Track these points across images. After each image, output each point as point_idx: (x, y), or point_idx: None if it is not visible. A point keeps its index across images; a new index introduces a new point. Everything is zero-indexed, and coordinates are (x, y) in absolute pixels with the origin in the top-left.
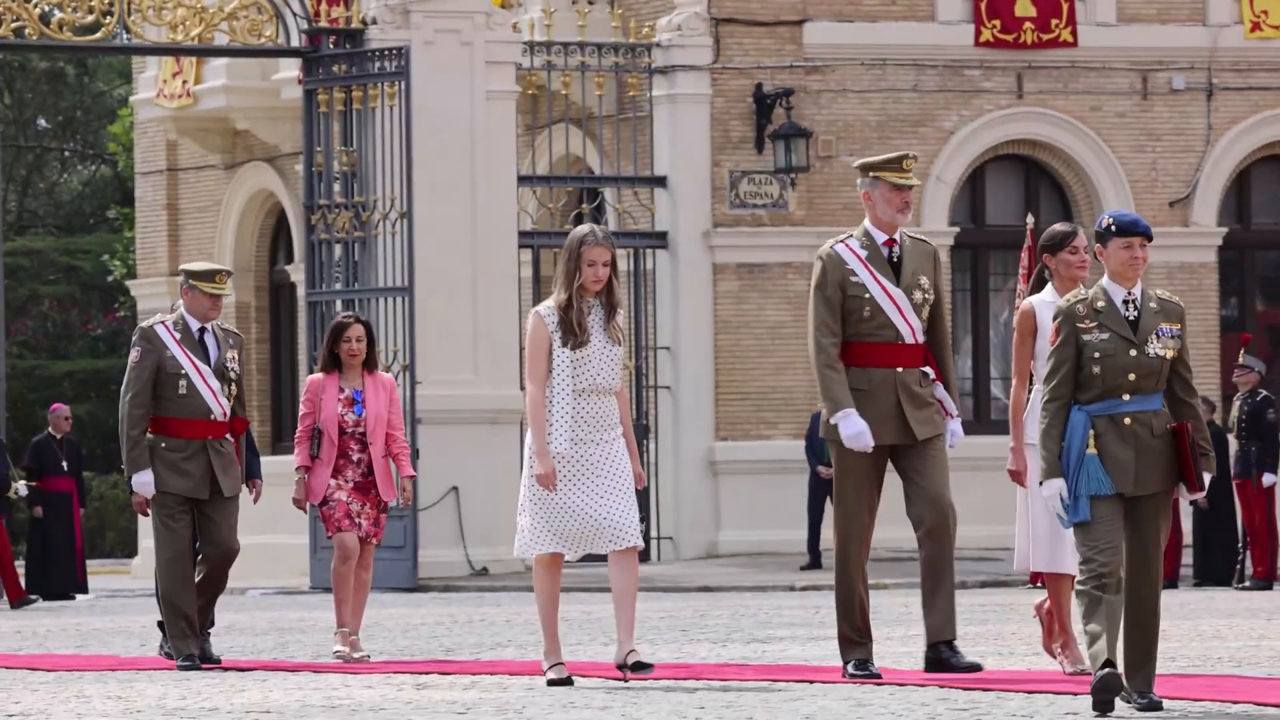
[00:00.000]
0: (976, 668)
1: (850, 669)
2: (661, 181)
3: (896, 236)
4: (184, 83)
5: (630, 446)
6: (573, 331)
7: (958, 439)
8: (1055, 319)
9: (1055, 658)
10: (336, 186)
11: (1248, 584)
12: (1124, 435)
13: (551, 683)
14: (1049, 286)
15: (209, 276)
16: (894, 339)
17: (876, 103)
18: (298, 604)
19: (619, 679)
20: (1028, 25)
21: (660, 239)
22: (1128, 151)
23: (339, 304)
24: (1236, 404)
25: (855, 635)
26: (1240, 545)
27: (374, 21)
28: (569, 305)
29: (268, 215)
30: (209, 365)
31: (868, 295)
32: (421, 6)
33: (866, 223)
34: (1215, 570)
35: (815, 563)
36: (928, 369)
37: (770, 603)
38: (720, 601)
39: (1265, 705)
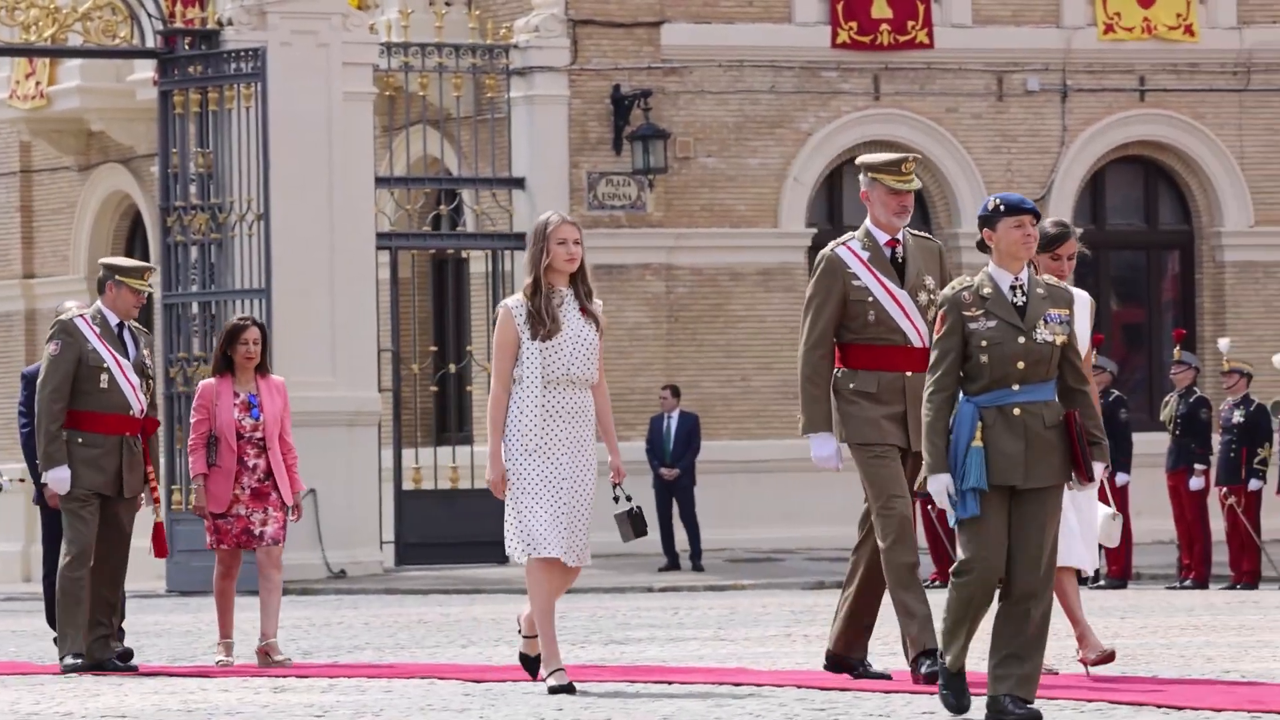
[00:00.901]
0: (884, 676)
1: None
2: (520, 183)
3: (899, 236)
4: (37, 84)
5: (610, 441)
6: (541, 321)
7: None
8: (940, 308)
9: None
10: (193, 188)
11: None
12: (1014, 426)
13: (553, 690)
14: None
15: (138, 273)
16: (901, 343)
17: (734, 104)
18: (154, 607)
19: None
20: (884, 27)
21: (519, 240)
22: (983, 153)
23: (195, 306)
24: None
25: (930, 634)
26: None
27: (229, 23)
28: (536, 290)
29: (123, 217)
30: (129, 361)
31: (871, 299)
32: (278, 8)
33: (867, 222)
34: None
35: (673, 564)
36: None
37: (629, 604)
38: (578, 603)
39: (1120, 704)
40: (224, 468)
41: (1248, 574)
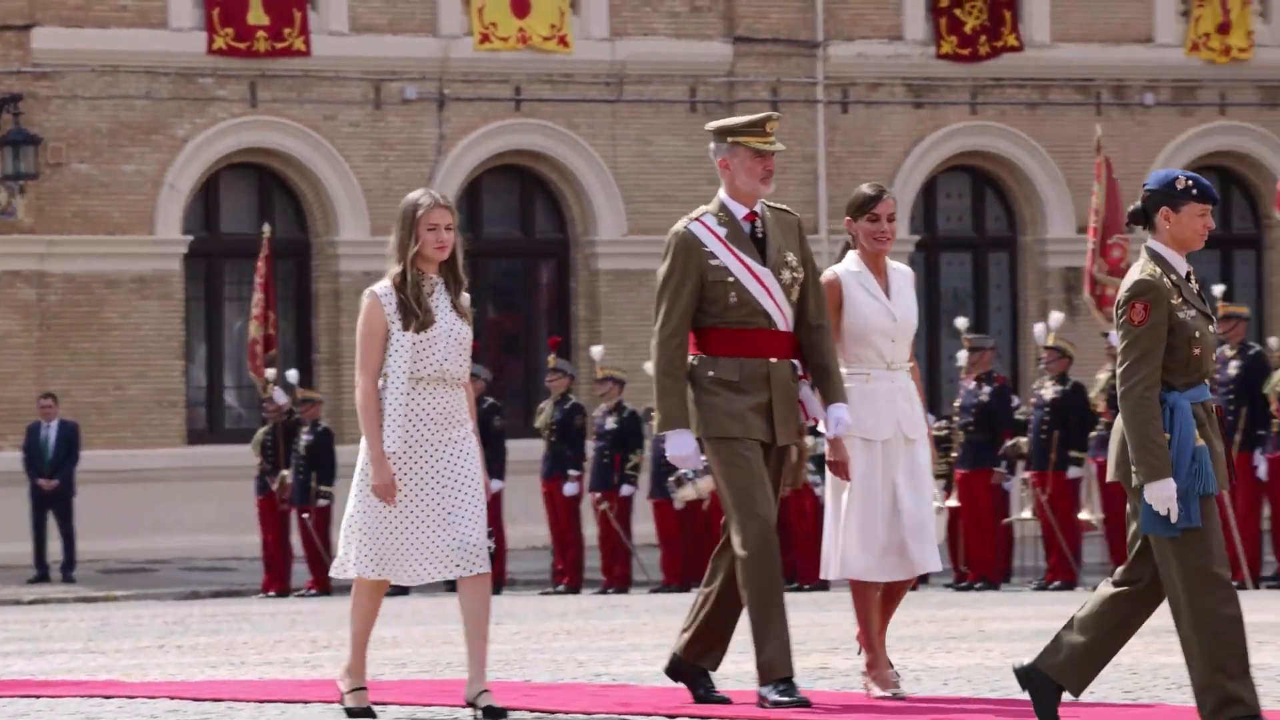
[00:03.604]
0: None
1: (774, 694)
2: None
3: (757, 209)
4: None
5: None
6: (413, 312)
7: (843, 426)
8: (1142, 295)
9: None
10: None
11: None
12: (1215, 425)
13: (350, 712)
14: (851, 254)
15: None
16: (764, 325)
17: (108, 110)
18: None
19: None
20: (261, 34)
21: None
22: (361, 160)
23: None
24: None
25: (778, 654)
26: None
27: None
28: (404, 280)
29: None
30: None
31: (731, 279)
32: None
33: (722, 194)
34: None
35: (43, 576)
36: (796, 362)
37: None
38: None
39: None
40: None
41: (619, 578)
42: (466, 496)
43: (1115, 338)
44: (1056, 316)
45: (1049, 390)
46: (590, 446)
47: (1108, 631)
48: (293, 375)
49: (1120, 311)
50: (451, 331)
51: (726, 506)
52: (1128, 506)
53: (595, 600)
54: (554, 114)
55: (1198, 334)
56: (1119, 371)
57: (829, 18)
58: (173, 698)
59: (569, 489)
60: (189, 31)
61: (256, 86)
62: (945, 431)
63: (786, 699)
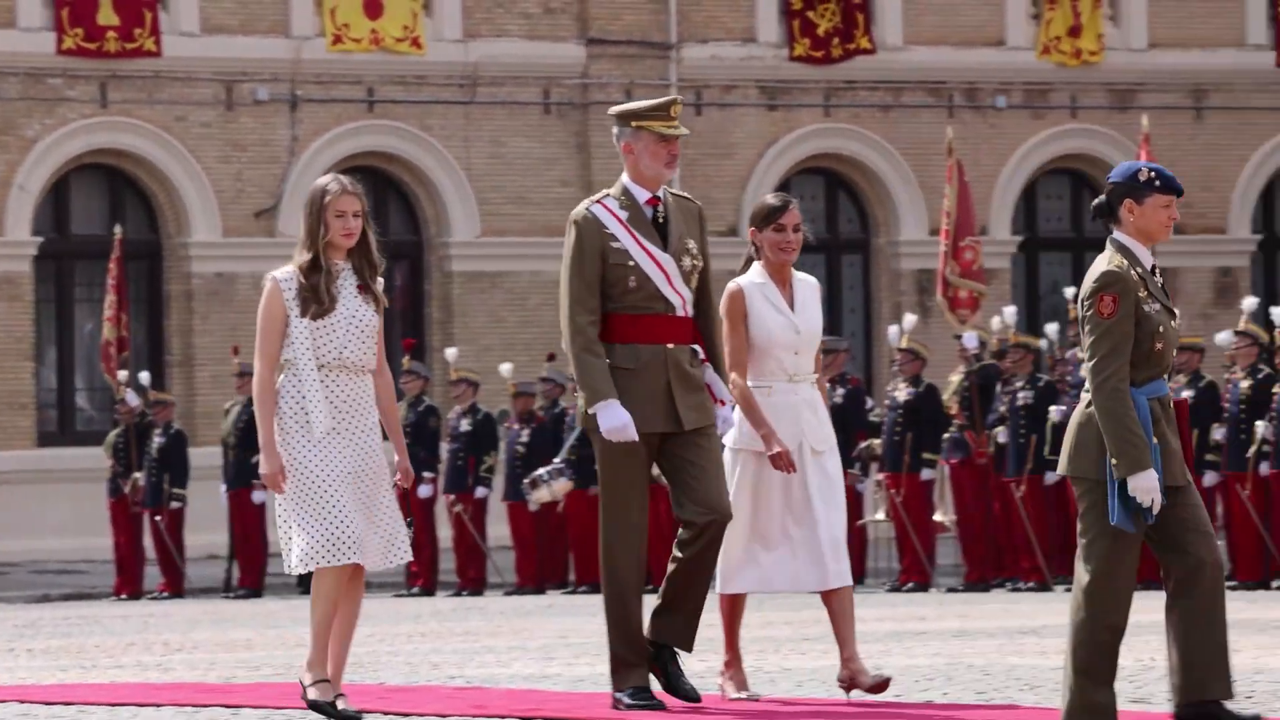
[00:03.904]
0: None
1: (627, 698)
2: None
3: (660, 194)
4: None
5: (395, 438)
6: (317, 298)
7: (729, 427)
8: (1110, 288)
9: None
10: None
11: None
12: (1171, 421)
13: (313, 705)
14: (756, 266)
15: None
16: (663, 311)
17: None
18: None
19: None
20: (111, 34)
21: None
22: (213, 162)
23: None
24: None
25: (633, 657)
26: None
27: None
28: (314, 267)
29: None
30: None
31: (632, 263)
32: None
33: (625, 179)
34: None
35: None
36: (697, 347)
37: None
38: None
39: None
40: None
41: (474, 580)
42: (378, 486)
43: (1081, 351)
44: (910, 319)
45: (902, 392)
46: (445, 448)
47: (1197, 624)
48: (145, 377)
49: (1087, 304)
50: (354, 318)
51: (601, 503)
52: (1079, 504)
53: (450, 602)
54: (407, 115)
55: (1161, 328)
56: (1089, 366)
57: (682, 20)
58: (23, 701)
59: (423, 491)
60: (38, 31)
61: (107, 87)
62: None
63: (640, 702)
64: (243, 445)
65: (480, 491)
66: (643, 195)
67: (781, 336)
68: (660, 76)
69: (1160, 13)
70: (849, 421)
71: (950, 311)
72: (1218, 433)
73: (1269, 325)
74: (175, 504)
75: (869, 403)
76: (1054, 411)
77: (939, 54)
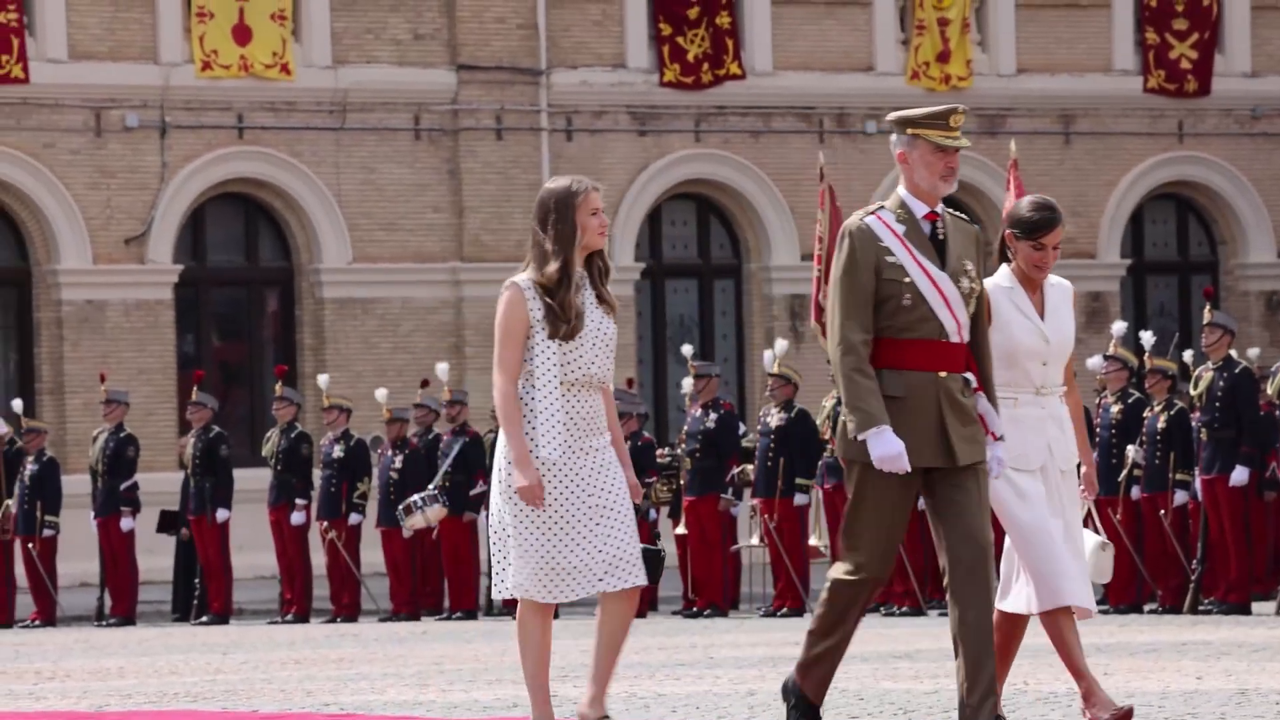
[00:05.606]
0: None
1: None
2: None
3: (939, 210)
4: None
5: (621, 453)
6: (565, 319)
7: (1002, 468)
8: None
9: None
10: None
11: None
12: None
13: None
14: (1004, 269)
15: None
16: (937, 335)
17: None
18: None
19: None
20: None
21: None
22: (82, 189)
23: None
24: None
25: (813, 696)
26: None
27: None
28: (562, 281)
29: None
30: None
31: (908, 280)
32: None
33: (901, 191)
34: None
35: None
36: (970, 375)
37: None
38: None
39: None
40: None
41: (348, 607)
42: (617, 507)
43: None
44: (782, 344)
45: (775, 417)
46: (317, 475)
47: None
48: (17, 405)
49: None
50: (599, 332)
51: (841, 529)
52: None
53: (324, 629)
54: (277, 142)
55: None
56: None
57: (552, 46)
58: None
59: (296, 517)
60: None
61: None
62: (670, 459)
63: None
64: (111, 472)
65: (354, 518)
66: (920, 209)
67: (1029, 344)
68: (530, 103)
69: (1028, 38)
70: (722, 446)
71: (823, 336)
72: None
73: (1139, 350)
74: (48, 532)
75: (742, 428)
76: None
77: (809, 79)
